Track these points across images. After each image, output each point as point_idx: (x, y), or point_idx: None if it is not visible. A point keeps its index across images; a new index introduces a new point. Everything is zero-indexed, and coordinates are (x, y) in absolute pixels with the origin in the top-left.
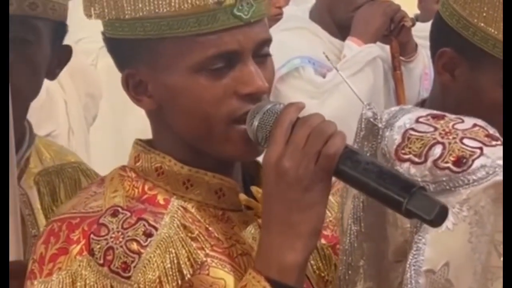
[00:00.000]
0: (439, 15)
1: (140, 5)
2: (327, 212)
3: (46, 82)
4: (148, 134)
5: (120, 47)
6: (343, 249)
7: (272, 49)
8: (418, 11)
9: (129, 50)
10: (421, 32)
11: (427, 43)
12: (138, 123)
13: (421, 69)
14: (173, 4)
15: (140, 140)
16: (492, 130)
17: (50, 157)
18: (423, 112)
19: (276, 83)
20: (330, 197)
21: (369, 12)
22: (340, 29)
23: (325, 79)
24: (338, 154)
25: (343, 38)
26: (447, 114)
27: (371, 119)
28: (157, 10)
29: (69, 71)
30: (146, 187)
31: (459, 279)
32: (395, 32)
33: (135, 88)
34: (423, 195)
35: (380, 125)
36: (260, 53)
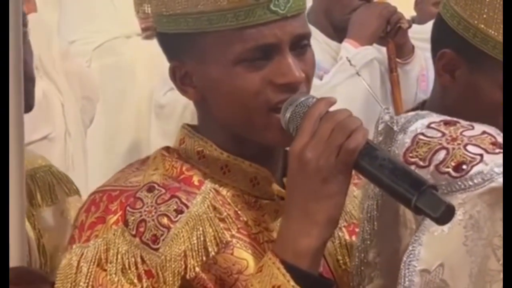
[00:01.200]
0: (440, 16)
1: (181, 1)
2: (355, 211)
3: (42, 85)
4: (140, 134)
5: (168, 41)
6: (356, 246)
7: None
8: (414, 13)
9: (175, 44)
10: (418, 34)
11: (424, 45)
12: (131, 123)
13: (418, 71)
14: (210, 0)
15: (187, 124)
16: (500, 139)
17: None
18: (437, 118)
19: None
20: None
21: (366, 14)
22: (337, 31)
23: (321, 81)
24: (358, 149)
25: (339, 40)
26: (460, 120)
27: (389, 123)
28: (195, 6)
29: (66, 74)
30: (184, 168)
31: (455, 280)
32: (391, 34)
33: (181, 79)
34: (431, 194)
35: (395, 129)
36: (299, 46)
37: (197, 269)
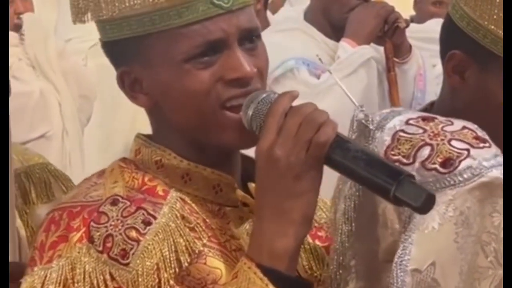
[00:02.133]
0: (449, 17)
1: (116, 4)
2: (322, 213)
3: (39, 83)
4: (137, 131)
5: (113, 49)
6: (334, 248)
7: (267, 50)
8: (414, 13)
9: (122, 50)
10: (417, 34)
11: (423, 45)
12: (128, 121)
13: (415, 70)
14: (146, 0)
15: (142, 134)
16: (481, 133)
17: (17, 159)
18: (414, 114)
19: (270, 84)
20: (326, 199)
21: (363, 14)
22: (335, 30)
23: (319, 80)
24: (329, 142)
25: (337, 39)
26: (437, 116)
27: (363, 121)
28: (132, 7)
29: (63, 72)
30: (146, 179)
31: (446, 278)
32: (389, 34)
33: (130, 86)
34: (410, 183)
35: (371, 127)
36: (248, 40)
37: (171, 282)
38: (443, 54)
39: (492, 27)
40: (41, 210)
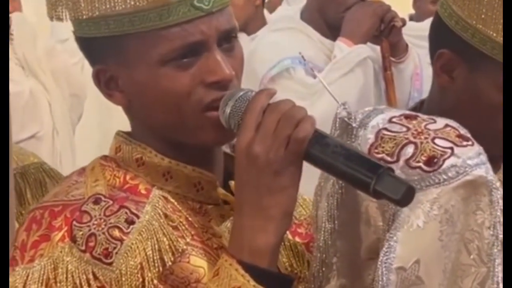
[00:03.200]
0: (438, 16)
1: (96, 5)
2: (302, 210)
3: (29, 83)
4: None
5: (89, 45)
6: (317, 246)
7: (264, 49)
8: (413, 11)
9: (98, 48)
10: (416, 32)
11: (421, 42)
12: (122, 120)
13: (412, 69)
14: (128, 1)
15: (121, 131)
16: (463, 131)
17: (13, 159)
18: (396, 112)
19: (267, 83)
20: (306, 196)
21: (359, 13)
22: (331, 29)
23: (315, 79)
24: (308, 138)
25: (334, 38)
26: (419, 114)
27: (346, 119)
28: (113, 8)
29: (52, 72)
30: (127, 177)
31: (430, 276)
32: (385, 33)
33: (106, 83)
34: (390, 176)
35: (354, 125)
36: (226, 41)
37: (155, 281)
38: (432, 53)
39: (480, 26)
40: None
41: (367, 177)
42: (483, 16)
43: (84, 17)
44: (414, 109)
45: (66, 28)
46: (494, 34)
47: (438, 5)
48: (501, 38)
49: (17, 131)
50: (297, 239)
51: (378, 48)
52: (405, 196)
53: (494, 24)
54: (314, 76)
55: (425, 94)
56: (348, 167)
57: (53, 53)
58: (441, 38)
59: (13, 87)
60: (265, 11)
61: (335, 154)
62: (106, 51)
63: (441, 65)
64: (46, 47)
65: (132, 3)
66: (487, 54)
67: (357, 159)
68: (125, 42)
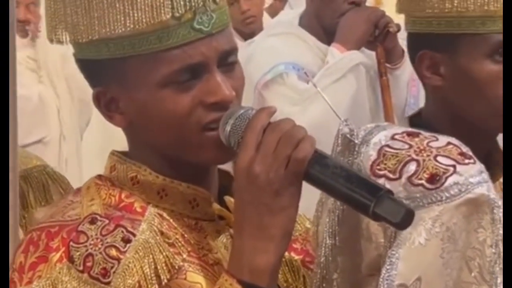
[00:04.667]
0: (409, 34)
1: (96, 28)
2: (297, 226)
3: (38, 88)
4: None
5: (90, 67)
6: (318, 262)
7: (259, 54)
8: None
9: (98, 70)
10: None
11: None
12: None
13: (409, 75)
14: (128, 24)
15: (116, 151)
16: (465, 149)
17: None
18: (399, 129)
19: (261, 89)
20: (299, 212)
21: (353, 19)
22: (328, 34)
23: (308, 85)
24: (307, 158)
25: (330, 43)
26: (422, 132)
27: (348, 135)
28: (113, 32)
29: (66, 76)
30: (123, 195)
31: None
32: (380, 38)
33: (106, 105)
34: (389, 199)
35: (356, 141)
36: (226, 62)
37: None
38: (414, 62)
39: (437, 11)
40: (39, 214)
41: (366, 199)
42: (436, 4)
43: (84, 40)
44: (413, 116)
45: None
46: (450, 7)
47: (404, 27)
48: (461, 8)
49: (24, 136)
50: (293, 254)
51: (373, 54)
52: (404, 219)
53: (445, 1)
54: (307, 82)
55: (421, 100)
56: (348, 188)
57: (67, 58)
58: (416, 46)
59: (22, 91)
60: (267, 16)
61: (334, 175)
62: (107, 73)
63: (426, 67)
64: (61, 51)
65: (132, 26)
66: (457, 33)
67: (357, 181)
68: (126, 64)
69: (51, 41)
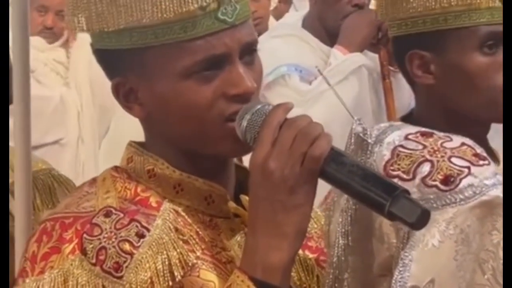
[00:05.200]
0: (394, 38)
1: (123, 17)
2: (313, 223)
3: (61, 90)
4: None
5: (109, 58)
6: (330, 262)
7: (262, 56)
8: None
9: (118, 60)
10: None
11: None
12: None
13: None
14: (155, 13)
15: (134, 142)
16: (479, 150)
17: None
18: (413, 129)
19: (263, 90)
20: (316, 209)
21: (356, 21)
22: (331, 36)
23: (310, 87)
24: (324, 156)
25: (333, 45)
26: (435, 131)
27: (361, 134)
28: (140, 21)
29: (90, 80)
30: (138, 189)
31: None
32: (383, 41)
33: (125, 96)
34: (405, 198)
35: (369, 141)
36: (248, 54)
37: None
38: (402, 66)
39: (420, 9)
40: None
41: (382, 198)
42: (419, 2)
43: (110, 29)
44: (405, 118)
45: None
46: (435, 4)
47: (389, 33)
48: (444, 3)
49: (42, 135)
50: (307, 252)
51: (376, 56)
52: (420, 219)
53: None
54: (310, 83)
55: None
56: (364, 187)
57: (93, 64)
58: (402, 48)
59: (44, 92)
60: (272, 18)
61: (351, 174)
62: (127, 63)
63: (417, 66)
64: (89, 57)
65: (160, 15)
66: (442, 29)
67: (373, 180)
68: (147, 54)
69: (73, 29)
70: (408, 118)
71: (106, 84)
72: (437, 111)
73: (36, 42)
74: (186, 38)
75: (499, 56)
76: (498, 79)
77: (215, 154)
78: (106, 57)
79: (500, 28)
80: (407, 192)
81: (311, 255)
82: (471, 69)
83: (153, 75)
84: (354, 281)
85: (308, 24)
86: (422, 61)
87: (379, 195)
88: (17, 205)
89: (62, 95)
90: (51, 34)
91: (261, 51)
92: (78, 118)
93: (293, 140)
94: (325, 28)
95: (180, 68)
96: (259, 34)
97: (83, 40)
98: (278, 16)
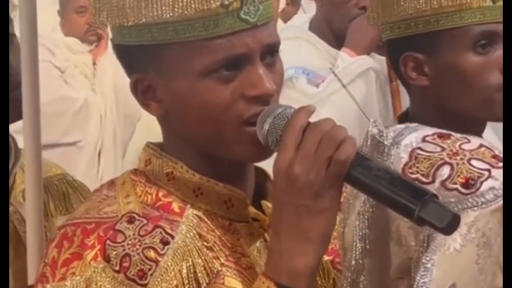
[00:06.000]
0: (387, 42)
1: (143, 11)
2: None
3: (88, 93)
4: None
5: (129, 53)
6: (348, 265)
7: None
8: None
9: (138, 56)
10: None
11: None
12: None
13: None
14: (176, 9)
15: (151, 143)
16: (497, 151)
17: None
18: (429, 130)
19: None
20: None
21: (363, 24)
22: (337, 39)
23: (317, 89)
24: (349, 160)
25: (340, 48)
26: (452, 133)
27: (377, 136)
28: (160, 16)
29: (114, 87)
30: (160, 194)
31: None
32: None
33: (143, 93)
34: (435, 203)
35: (386, 143)
36: (269, 55)
37: None
38: (397, 70)
39: (412, 11)
40: (60, 223)
41: (411, 203)
42: (410, 4)
43: (130, 23)
44: (401, 117)
45: None
46: (426, 7)
47: (382, 37)
48: (435, 5)
49: (60, 135)
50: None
51: (384, 59)
52: (451, 224)
53: (419, 2)
54: (318, 86)
55: None
56: (392, 192)
57: (118, 71)
58: (396, 51)
59: (70, 93)
60: (280, 21)
61: (377, 178)
62: (146, 59)
63: (411, 68)
64: (115, 63)
65: (180, 11)
66: (436, 30)
67: (401, 184)
68: (167, 51)
69: (95, 24)
70: (404, 118)
71: (130, 93)
72: (433, 111)
73: (71, 43)
74: (207, 36)
75: (493, 56)
76: (492, 78)
77: (230, 157)
78: (126, 53)
79: (492, 27)
80: (436, 196)
81: (326, 257)
82: (465, 69)
83: (172, 72)
84: (370, 283)
85: (315, 26)
86: (416, 63)
87: (407, 200)
88: (28, 210)
89: (87, 98)
90: (95, 34)
91: None
92: (100, 123)
93: (318, 144)
94: (332, 30)
95: (199, 67)
96: None
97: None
98: (286, 19)
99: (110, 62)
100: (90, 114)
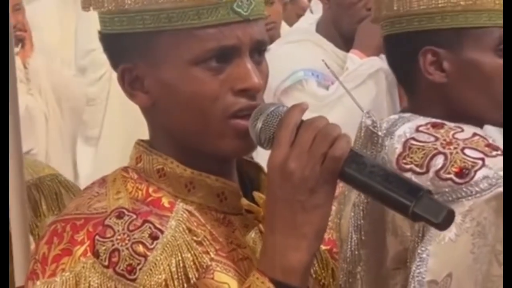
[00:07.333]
0: (402, 34)
1: None
2: None
3: (27, 99)
4: None
5: (118, 43)
6: (344, 257)
7: (277, 61)
8: None
9: (127, 45)
10: None
11: None
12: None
13: None
14: None
15: (142, 140)
16: (491, 139)
17: (27, 171)
18: (423, 120)
19: (280, 95)
20: None
21: (372, 25)
22: (345, 41)
23: (327, 92)
24: (344, 157)
25: (347, 49)
26: (446, 122)
27: (370, 127)
28: (157, 1)
29: (52, 86)
30: (150, 190)
31: None
32: None
33: (131, 83)
34: (430, 199)
35: (379, 133)
36: (256, 53)
37: None
38: (399, 64)
39: (441, 4)
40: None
41: (406, 199)
42: None
43: (126, 7)
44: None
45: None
46: (462, 3)
47: (387, 27)
48: (467, 2)
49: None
50: (321, 245)
51: None
52: (446, 219)
53: None
54: (327, 88)
55: None
56: (386, 188)
57: (50, 70)
58: (413, 44)
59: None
60: (284, 24)
61: (372, 174)
62: (135, 49)
63: (430, 62)
64: (45, 62)
65: None
66: (463, 27)
67: (396, 181)
68: (157, 39)
69: (86, 8)
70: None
71: (69, 85)
72: (438, 111)
73: None
74: (199, 25)
75: None
76: None
77: (214, 152)
78: (114, 42)
79: None
80: (430, 192)
81: (324, 247)
82: (487, 69)
83: (161, 61)
84: (367, 274)
85: (322, 28)
86: (435, 57)
87: (402, 196)
88: (12, 214)
89: (28, 105)
90: (15, 36)
91: (277, 57)
92: (46, 126)
93: (313, 141)
94: (340, 32)
95: (189, 56)
96: (272, 40)
97: (40, 49)
98: (286, 19)
99: (41, 61)
100: (35, 120)
